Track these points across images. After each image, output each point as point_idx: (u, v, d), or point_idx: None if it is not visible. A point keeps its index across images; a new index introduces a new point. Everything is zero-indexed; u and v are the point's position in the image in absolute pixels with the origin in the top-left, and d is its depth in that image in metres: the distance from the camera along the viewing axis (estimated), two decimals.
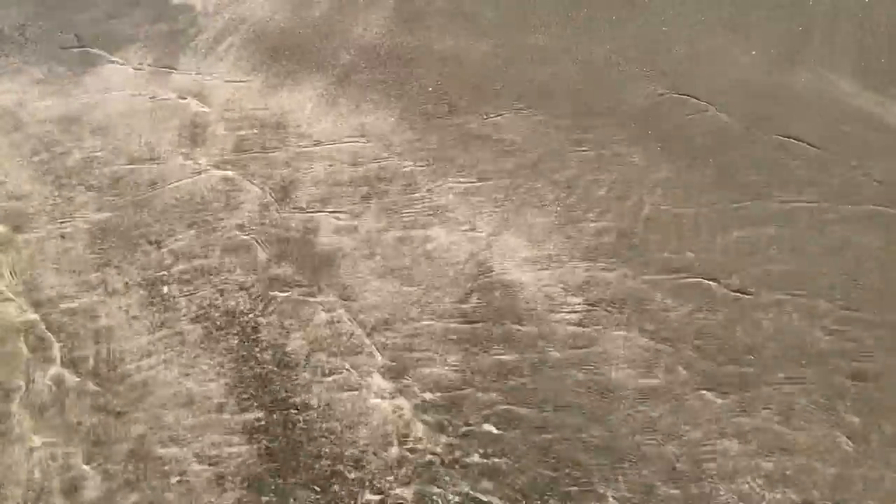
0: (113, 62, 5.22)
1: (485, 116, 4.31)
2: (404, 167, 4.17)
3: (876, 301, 3.22)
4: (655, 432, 3.05)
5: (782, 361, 3.13)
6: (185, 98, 4.87)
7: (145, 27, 5.41)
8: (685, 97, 4.13)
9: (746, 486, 2.89)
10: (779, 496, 2.86)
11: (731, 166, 3.79)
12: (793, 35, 4.28)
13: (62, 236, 4.25)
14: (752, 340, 3.21)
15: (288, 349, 3.57)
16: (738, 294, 3.35)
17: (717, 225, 3.59)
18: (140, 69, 5.12)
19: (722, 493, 2.90)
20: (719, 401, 3.08)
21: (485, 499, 3.00)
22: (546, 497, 2.98)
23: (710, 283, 3.41)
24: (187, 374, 3.56)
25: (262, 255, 3.95)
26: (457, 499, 3.01)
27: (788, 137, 3.84)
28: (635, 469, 2.99)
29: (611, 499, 2.94)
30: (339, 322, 3.60)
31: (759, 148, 3.84)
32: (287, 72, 4.89)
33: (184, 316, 3.79)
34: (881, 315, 3.18)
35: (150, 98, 4.91)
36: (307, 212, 4.09)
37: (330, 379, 3.43)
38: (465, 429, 3.18)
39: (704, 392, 3.11)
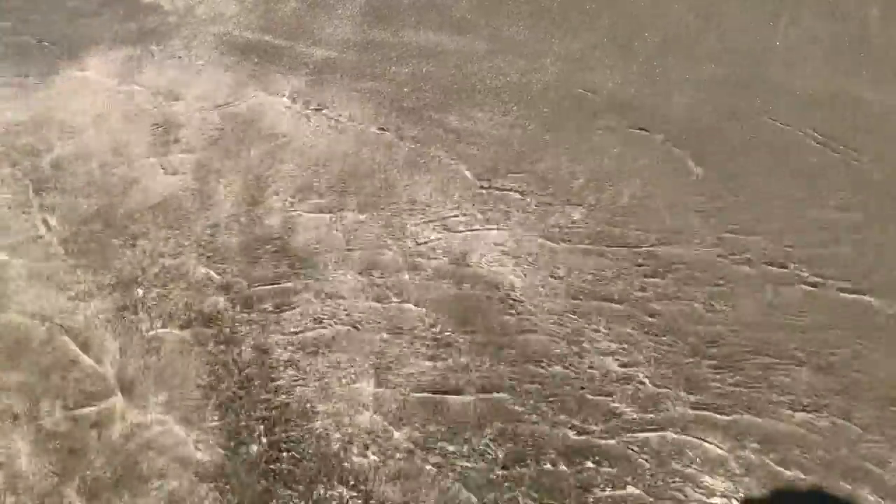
0: (82, 62, 5.13)
1: (460, 110, 4.27)
2: (380, 163, 4.12)
3: None
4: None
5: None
6: (157, 97, 4.80)
7: (115, 26, 5.33)
8: (660, 86, 4.11)
9: None
10: None
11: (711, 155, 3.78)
12: (765, 23, 4.28)
13: (35, 240, 4.18)
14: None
15: (268, 350, 3.51)
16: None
17: (699, 213, 3.58)
18: (110, 69, 5.04)
19: None
20: (692, 398, 3.06)
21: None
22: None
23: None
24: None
25: (239, 256, 3.89)
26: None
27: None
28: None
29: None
30: (320, 319, 3.55)
31: (735, 136, 3.84)
32: (259, 69, 4.83)
33: (159, 318, 3.73)
34: None
35: (121, 98, 4.84)
36: (283, 209, 4.03)
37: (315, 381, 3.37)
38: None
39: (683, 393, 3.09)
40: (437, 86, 4.44)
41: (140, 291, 3.85)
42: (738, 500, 2.73)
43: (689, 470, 2.83)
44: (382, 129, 4.28)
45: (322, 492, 3.03)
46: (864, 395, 2.90)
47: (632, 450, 2.91)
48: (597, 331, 3.24)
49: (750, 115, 3.87)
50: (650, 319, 3.24)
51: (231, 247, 3.93)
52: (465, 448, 3.03)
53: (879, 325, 3.07)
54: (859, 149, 3.62)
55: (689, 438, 2.90)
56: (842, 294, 3.19)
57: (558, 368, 3.17)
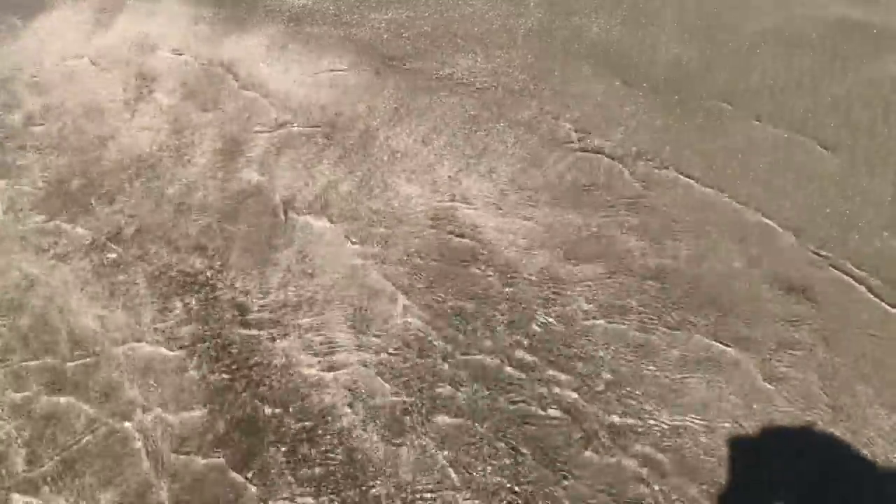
0: (51, 14, 4.95)
1: (442, 58, 4.14)
2: (360, 113, 4.01)
3: None
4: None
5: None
6: (130, 49, 4.64)
7: None
8: (644, 32, 3.98)
9: None
10: None
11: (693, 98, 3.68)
12: None
13: (8, 200, 4.08)
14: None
15: (249, 308, 3.45)
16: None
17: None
18: (80, 21, 4.87)
19: None
20: (678, 332, 3.02)
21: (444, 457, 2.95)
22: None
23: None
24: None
25: (215, 212, 3.81)
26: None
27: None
28: None
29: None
30: (296, 279, 3.49)
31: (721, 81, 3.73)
32: (235, 19, 4.66)
33: (137, 277, 3.66)
34: None
35: (93, 51, 4.68)
36: (261, 162, 3.93)
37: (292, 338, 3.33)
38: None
39: (665, 329, 3.05)
40: (417, 32, 4.29)
41: (118, 251, 3.77)
42: None
43: None
44: (361, 77, 4.15)
45: None
46: None
47: None
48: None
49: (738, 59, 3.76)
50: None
51: (209, 202, 3.84)
52: None
53: None
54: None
55: None
56: None
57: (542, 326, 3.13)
